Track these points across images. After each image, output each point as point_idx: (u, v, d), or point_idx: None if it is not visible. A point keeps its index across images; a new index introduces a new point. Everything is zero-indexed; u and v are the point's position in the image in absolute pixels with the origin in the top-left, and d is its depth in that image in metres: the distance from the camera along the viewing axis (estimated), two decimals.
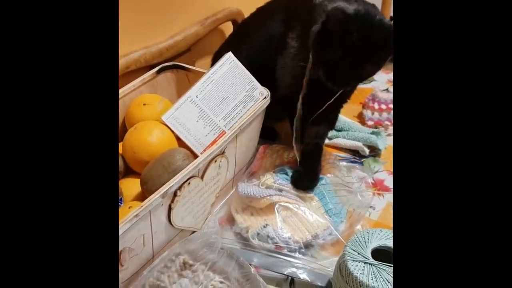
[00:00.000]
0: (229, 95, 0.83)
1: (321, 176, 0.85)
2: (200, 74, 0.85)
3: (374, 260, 0.62)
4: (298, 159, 0.86)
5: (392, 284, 0.59)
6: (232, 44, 0.97)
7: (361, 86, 1.21)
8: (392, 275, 0.60)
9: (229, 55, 0.84)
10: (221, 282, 0.64)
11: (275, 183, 0.81)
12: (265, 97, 0.85)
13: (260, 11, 0.97)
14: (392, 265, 0.61)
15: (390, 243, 0.64)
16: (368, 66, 0.78)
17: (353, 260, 0.63)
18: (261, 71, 0.85)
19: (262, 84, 0.85)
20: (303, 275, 0.71)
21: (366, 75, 0.81)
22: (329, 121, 0.92)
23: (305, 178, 0.85)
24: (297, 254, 0.75)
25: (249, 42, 0.92)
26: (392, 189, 0.90)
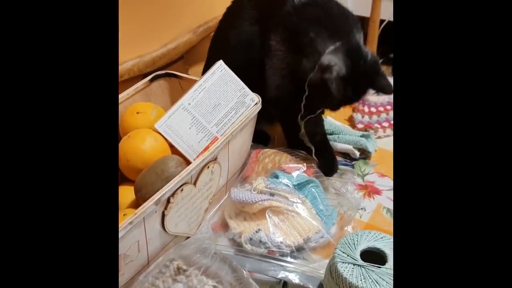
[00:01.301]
0: (221, 102, 0.85)
1: (311, 178, 0.87)
2: (193, 82, 0.87)
3: (363, 262, 0.64)
4: (313, 150, 0.95)
5: (381, 285, 0.61)
6: (213, 52, 0.99)
7: None
8: (380, 276, 0.62)
9: (220, 63, 0.85)
10: (214, 286, 0.65)
11: (266, 188, 0.83)
12: (256, 103, 0.87)
13: (228, 12, 0.99)
14: (380, 266, 0.63)
15: (378, 244, 0.66)
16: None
17: (343, 262, 0.64)
18: (246, 73, 0.86)
19: (250, 86, 0.87)
20: (295, 279, 0.73)
21: None
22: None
23: (330, 165, 0.94)
24: (289, 258, 0.76)
25: (226, 48, 0.93)
26: (382, 191, 0.92)
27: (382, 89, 0.88)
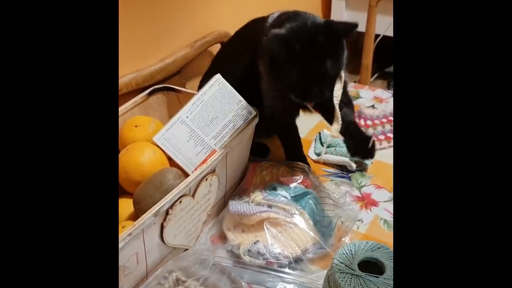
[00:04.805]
0: (218, 115, 0.86)
1: (309, 190, 0.88)
2: (190, 96, 0.88)
3: (361, 272, 0.64)
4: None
5: None
6: (214, 70, 1.01)
7: None
8: (378, 286, 0.62)
9: (218, 77, 0.87)
10: None
11: (264, 200, 0.83)
12: (254, 116, 0.88)
13: (233, 38, 1.03)
14: (378, 276, 0.63)
15: (375, 254, 0.66)
16: (328, 64, 0.78)
17: (341, 272, 0.64)
18: (245, 92, 0.88)
19: (250, 103, 0.88)
20: None
21: (334, 73, 0.81)
22: (347, 103, 0.91)
23: (362, 148, 0.84)
24: (287, 269, 0.76)
25: (226, 69, 0.94)
26: (379, 203, 0.93)
27: (345, 30, 0.78)
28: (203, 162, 0.82)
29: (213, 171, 0.80)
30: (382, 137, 1.08)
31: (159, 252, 0.74)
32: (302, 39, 0.77)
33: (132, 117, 0.92)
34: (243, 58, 0.94)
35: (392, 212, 0.90)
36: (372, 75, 1.82)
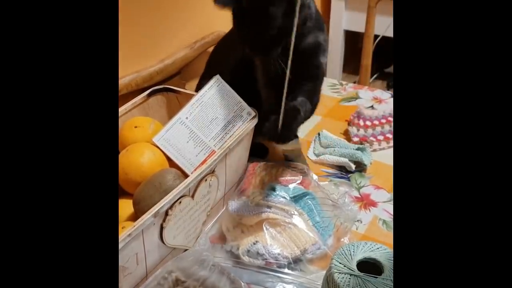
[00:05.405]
0: (218, 116, 0.86)
1: (308, 191, 0.88)
2: (190, 96, 0.88)
3: (359, 272, 0.64)
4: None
5: None
6: (210, 71, 1.01)
7: (346, 103, 1.26)
8: (377, 286, 0.62)
9: (217, 78, 0.87)
10: None
11: (263, 200, 0.84)
12: (253, 117, 0.88)
13: (226, 36, 1.02)
14: (377, 276, 0.64)
15: (374, 254, 0.67)
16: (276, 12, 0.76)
17: (339, 273, 0.65)
18: (243, 92, 0.88)
19: (248, 103, 0.88)
20: None
21: (282, 26, 0.77)
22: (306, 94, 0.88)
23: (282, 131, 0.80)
24: (286, 270, 0.77)
25: (222, 68, 0.94)
26: (378, 203, 0.93)
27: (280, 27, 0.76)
28: (202, 163, 0.83)
29: (212, 172, 0.81)
30: (381, 137, 1.09)
31: (158, 253, 0.74)
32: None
33: (132, 118, 0.92)
34: (238, 55, 0.94)
35: (391, 212, 0.90)
36: (372, 76, 1.82)
